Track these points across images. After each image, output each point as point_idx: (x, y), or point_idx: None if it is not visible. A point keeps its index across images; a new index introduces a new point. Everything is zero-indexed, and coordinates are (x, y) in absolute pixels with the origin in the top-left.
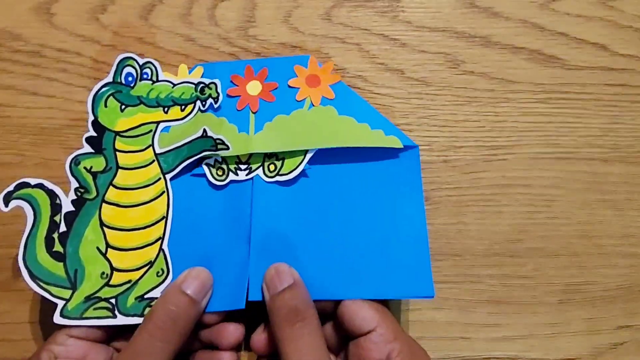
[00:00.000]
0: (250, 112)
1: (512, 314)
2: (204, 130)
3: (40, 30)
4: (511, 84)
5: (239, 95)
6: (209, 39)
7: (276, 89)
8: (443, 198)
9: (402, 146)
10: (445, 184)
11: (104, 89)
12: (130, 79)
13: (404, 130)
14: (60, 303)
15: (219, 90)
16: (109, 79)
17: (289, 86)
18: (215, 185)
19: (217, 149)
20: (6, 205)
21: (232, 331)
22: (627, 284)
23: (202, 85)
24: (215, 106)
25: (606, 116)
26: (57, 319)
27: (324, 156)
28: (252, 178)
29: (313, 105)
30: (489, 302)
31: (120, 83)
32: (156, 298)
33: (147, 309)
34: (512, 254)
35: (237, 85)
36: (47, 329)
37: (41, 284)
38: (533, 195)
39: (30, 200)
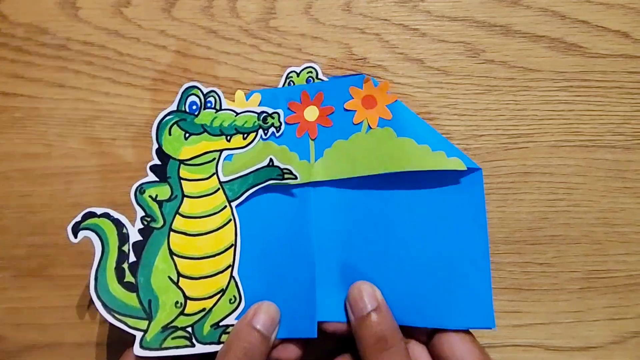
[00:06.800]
0: (310, 139)
1: (534, 301)
2: (271, 160)
3: (66, 24)
4: (532, 72)
5: (297, 122)
6: (231, 31)
7: (333, 112)
8: None
9: (465, 168)
10: None
11: (168, 117)
12: (194, 107)
13: (424, 118)
14: (138, 334)
15: (282, 119)
16: (173, 107)
17: (345, 109)
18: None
19: (284, 178)
20: (75, 236)
21: (292, 350)
22: None
23: (264, 114)
24: (277, 135)
25: (628, 104)
26: (137, 350)
27: (383, 179)
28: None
29: (370, 128)
30: (510, 289)
31: (184, 111)
32: (231, 325)
33: (224, 336)
34: (533, 242)
35: (295, 112)
36: (79, 312)
37: (117, 315)
38: (554, 183)
39: (97, 231)
